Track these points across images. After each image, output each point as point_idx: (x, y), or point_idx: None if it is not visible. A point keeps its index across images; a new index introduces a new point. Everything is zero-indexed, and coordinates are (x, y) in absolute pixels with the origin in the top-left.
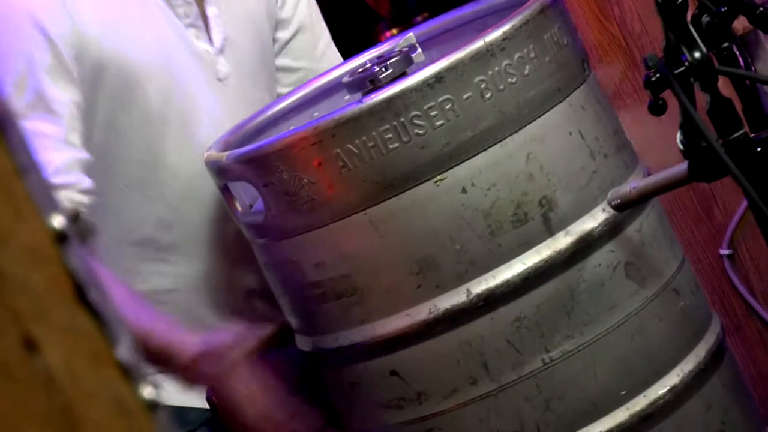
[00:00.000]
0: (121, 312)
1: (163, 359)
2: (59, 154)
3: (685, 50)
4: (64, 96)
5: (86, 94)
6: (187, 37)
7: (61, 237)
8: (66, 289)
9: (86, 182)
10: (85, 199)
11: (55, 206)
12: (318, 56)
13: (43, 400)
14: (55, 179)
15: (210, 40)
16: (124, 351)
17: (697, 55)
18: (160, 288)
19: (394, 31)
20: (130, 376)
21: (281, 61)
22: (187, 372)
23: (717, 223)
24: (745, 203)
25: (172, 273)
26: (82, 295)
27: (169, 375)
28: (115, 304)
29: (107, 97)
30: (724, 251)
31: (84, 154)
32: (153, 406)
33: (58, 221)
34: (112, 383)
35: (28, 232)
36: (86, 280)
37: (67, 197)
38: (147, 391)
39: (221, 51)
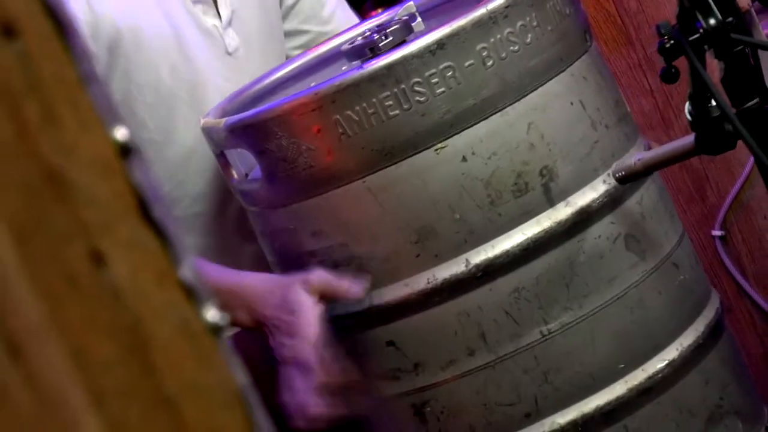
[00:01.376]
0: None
1: (228, 298)
2: None
3: (699, 17)
4: None
5: (102, 74)
6: (195, 13)
7: (124, 150)
8: (131, 204)
9: None
10: None
11: (117, 118)
12: (325, 18)
13: (111, 315)
14: None
15: (218, 14)
16: (188, 271)
17: (712, 21)
18: None
19: (380, 10)
20: (193, 296)
21: (289, 25)
22: (251, 311)
23: (709, 204)
24: (738, 184)
25: None
26: (146, 211)
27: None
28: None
29: (121, 76)
30: (717, 232)
31: None
32: (216, 329)
33: (121, 134)
34: (177, 303)
35: (93, 143)
36: (150, 196)
37: None
38: (210, 314)
39: (229, 24)
